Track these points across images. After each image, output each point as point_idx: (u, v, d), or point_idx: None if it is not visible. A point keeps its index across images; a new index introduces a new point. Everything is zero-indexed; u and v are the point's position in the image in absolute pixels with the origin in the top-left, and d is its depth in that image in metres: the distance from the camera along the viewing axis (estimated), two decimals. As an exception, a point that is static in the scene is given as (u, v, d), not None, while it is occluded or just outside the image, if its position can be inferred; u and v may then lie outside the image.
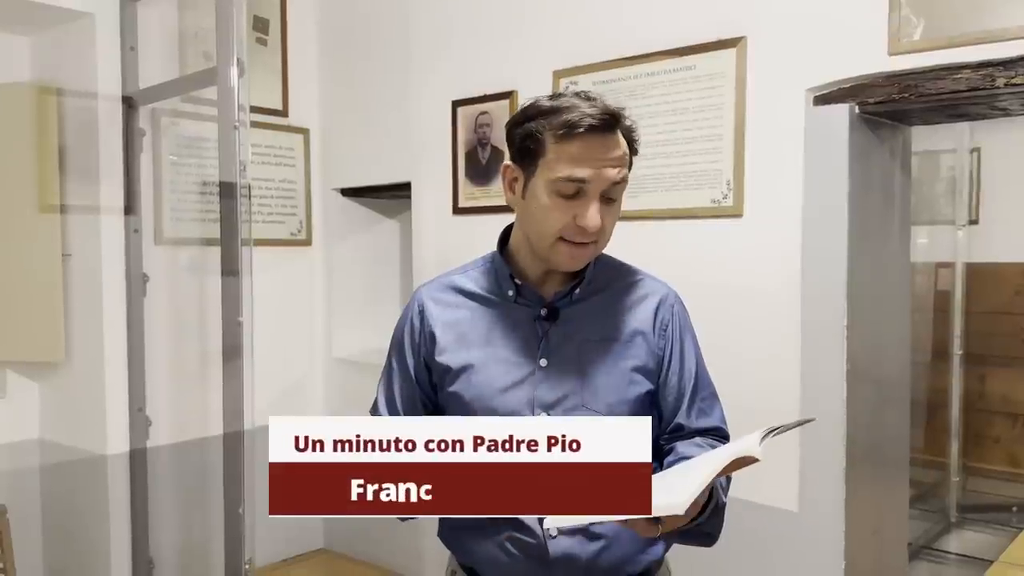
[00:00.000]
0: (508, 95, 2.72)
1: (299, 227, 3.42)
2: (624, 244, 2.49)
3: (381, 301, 3.61)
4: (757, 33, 2.18)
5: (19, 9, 2.72)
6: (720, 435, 1.29)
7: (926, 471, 4.02)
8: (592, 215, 1.14)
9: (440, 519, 1.30)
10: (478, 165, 2.84)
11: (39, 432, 3.05)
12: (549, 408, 1.19)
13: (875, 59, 1.98)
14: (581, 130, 1.13)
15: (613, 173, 1.15)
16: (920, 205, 3.91)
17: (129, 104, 2.83)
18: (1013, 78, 1.81)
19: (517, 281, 1.24)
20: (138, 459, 2.88)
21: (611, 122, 1.15)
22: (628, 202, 2.45)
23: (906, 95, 1.97)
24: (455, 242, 2.94)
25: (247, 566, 2.23)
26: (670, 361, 1.26)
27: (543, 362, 1.21)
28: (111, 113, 2.82)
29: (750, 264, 2.22)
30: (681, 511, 0.91)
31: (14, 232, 2.87)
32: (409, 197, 3.21)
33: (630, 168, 1.21)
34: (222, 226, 2.28)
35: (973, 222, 3.99)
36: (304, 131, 3.39)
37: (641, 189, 2.42)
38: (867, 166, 2.15)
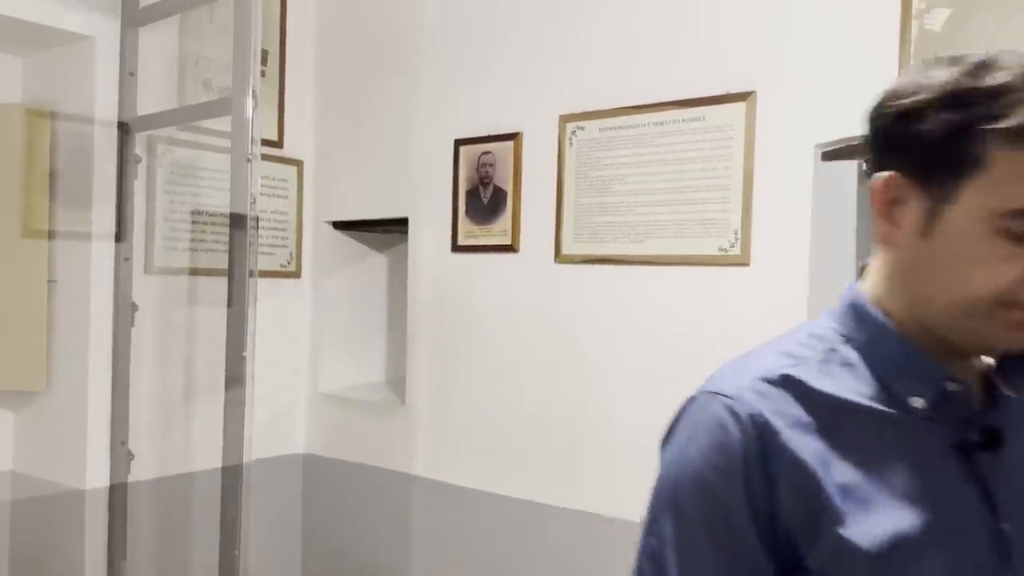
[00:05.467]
0: (513, 136, 2.75)
1: (289, 259, 3.38)
2: (629, 289, 2.55)
3: (368, 336, 3.58)
4: (767, 88, 2.25)
5: (16, 30, 2.67)
6: None
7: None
8: None
9: None
10: (479, 204, 2.85)
11: (12, 464, 2.93)
12: None
13: (884, 119, 2.06)
14: None
15: None
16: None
17: (125, 130, 2.78)
18: None
19: (949, 384, 0.77)
20: (118, 494, 2.78)
21: None
22: (633, 247, 2.49)
23: (913, 155, 2.04)
24: (453, 279, 2.93)
25: (242, 611, 2.17)
26: None
27: (1005, 526, 0.73)
28: (106, 138, 2.76)
29: (757, 314, 2.26)
30: None
31: (-2, 256, 2.79)
32: (400, 232, 3.19)
33: None
34: (230, 257, 2.27)
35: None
36: (298, 163, 3.37)
37: (647, 235, 2.45)
38: (870, 221, 2.21)
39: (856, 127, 2.14)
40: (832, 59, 2.14)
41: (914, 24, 2.00)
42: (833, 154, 2.17)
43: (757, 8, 2.26)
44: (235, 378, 2.26)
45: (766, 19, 2.25)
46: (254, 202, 2.22)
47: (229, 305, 2.29)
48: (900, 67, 2.02)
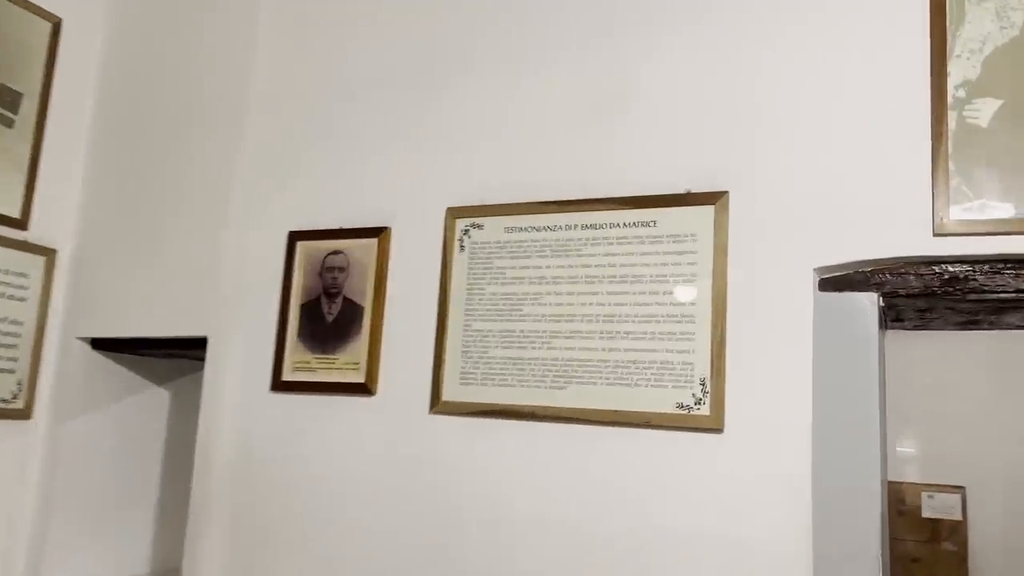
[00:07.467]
0: (378, 232, 1.98)
1: (16, 390, 2.30)
2: (543, 457, 1.73)
3: (129, 508, 2.49)
4: (745, 189, 1.66)
5: None
6: None
7: None
8: None
9: None
10: (320, 322, 2.01)
11: None
12: None
13: (911, 240, 1.52)
14: None
15: None
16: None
17: None
18: (1092, 280, 1.42)
19: None
20: None
21: None
22: (550, 395, 1.72)
23: (951, 288, 1.51)
24: (272, 429, 2.02)
25: None
26: None
27: None
28: None
29: (736, 501, 1.56)
30: None
31: None
32: (195, 357, 2.28)
33: None
34: None
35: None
36: (49, 252, 2.36)
37: (571, 379, 1.73)
38: (882, 371, 1.64)
39: (874, 248, 1.60)
40: (838, 156, 1.60)
41: (951, 115, 1.52)
42: (837, 282, 1.59)
43: (735, 81, 1.71)
44: None
45: (748, 98, 1.69)
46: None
47: None
48: (934, 169, 1.51)
